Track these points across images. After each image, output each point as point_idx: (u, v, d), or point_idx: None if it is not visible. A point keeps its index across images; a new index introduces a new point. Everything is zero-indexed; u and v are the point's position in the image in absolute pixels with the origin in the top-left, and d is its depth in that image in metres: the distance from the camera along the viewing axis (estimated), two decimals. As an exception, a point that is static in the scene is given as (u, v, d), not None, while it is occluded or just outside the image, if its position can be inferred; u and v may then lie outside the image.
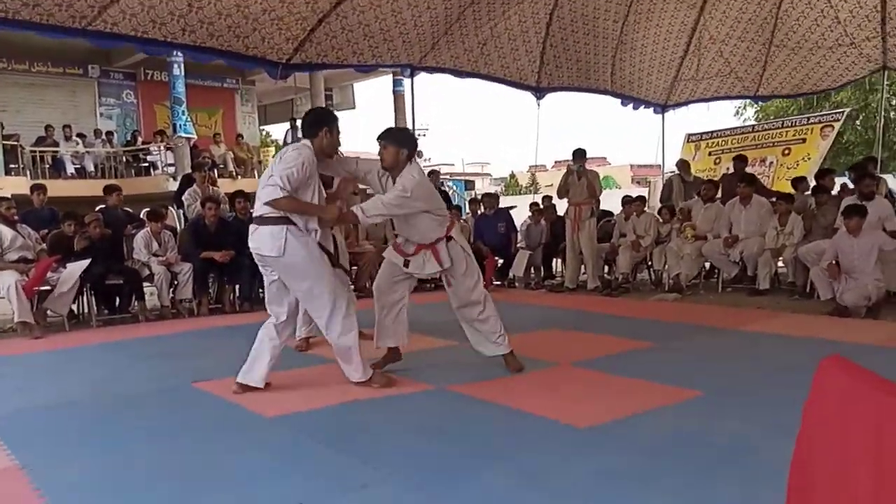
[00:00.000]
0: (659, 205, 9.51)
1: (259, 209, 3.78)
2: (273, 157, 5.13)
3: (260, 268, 3.96)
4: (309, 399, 3.84)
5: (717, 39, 9.57)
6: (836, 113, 12.60)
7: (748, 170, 9.62)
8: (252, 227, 3.84)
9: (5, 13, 5.58)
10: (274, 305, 3.97)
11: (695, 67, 10.01)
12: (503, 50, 8.96)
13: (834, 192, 8.05)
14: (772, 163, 11.39)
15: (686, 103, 11.18)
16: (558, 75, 9.65)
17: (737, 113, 23.89)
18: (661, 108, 11.30)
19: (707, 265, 8.39)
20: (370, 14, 7.39)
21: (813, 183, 8.39)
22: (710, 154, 12.40)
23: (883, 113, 12.22)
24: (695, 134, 12.82)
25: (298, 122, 18.97)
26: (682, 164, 10.20)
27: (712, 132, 12.59)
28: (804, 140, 11.38)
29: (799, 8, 9.02)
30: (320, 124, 3.91)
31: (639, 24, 9.13)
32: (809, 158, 11.11)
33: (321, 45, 7.52)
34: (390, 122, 19.06)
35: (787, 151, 11.46)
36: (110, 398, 4.03)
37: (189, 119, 15.95)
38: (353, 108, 22.02)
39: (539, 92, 9.67)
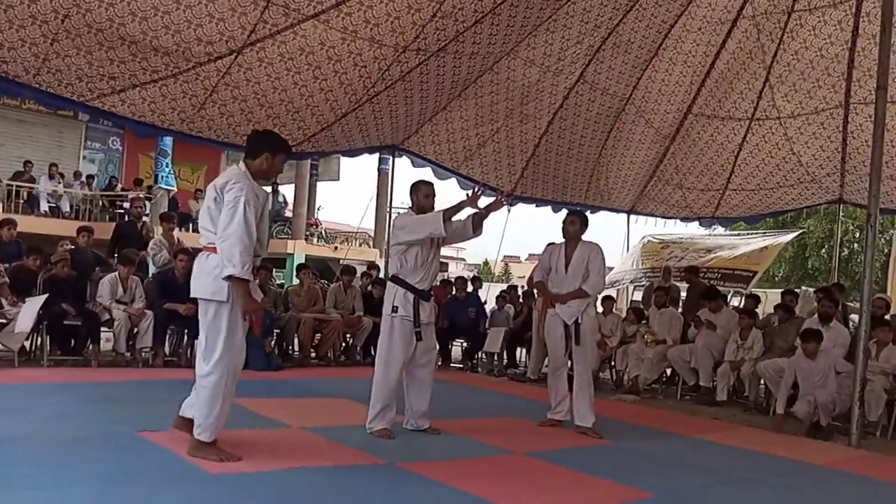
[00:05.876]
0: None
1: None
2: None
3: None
4: (259, 461, 3.74)
5: (680, 171, 9.95)
6: (789, 231, 13.26)
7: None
8: None
9: (6, 74, 5.53)
10: None
11: (657, 189, 10.41)
12: (486, 159, 9.24)
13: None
14: (714, 250, 11.80)
15: (648, 215, 11.55)
16: (534, 188, 9.98)
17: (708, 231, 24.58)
18: (627, 213, 11.63)
19: (668, 371, 8.46)
20: (370, 117, 7.60)
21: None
22: (659, 243, 12.84)
23: (841, 242, 12.71)
24: (650, 236, 13.23)
25: (280, 188, 19.22)
26: (665, 271, 10.47)
27: (669, 235, 13.05)
28: (750, 242, 11.95)
29: (759, 157, 9.45)
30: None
31: (616, 149, 9.52)
32: (751, 250, 11.54)
33: (318, 142, 7.77)
34: (373, 197, 19.37)
35: (731, 246, 11.94)
36: (53, 438, 3.91)
37: (172, 172, 15.97)
38: (338, 180, 22.26)
39: (512, 200, 9.92)
